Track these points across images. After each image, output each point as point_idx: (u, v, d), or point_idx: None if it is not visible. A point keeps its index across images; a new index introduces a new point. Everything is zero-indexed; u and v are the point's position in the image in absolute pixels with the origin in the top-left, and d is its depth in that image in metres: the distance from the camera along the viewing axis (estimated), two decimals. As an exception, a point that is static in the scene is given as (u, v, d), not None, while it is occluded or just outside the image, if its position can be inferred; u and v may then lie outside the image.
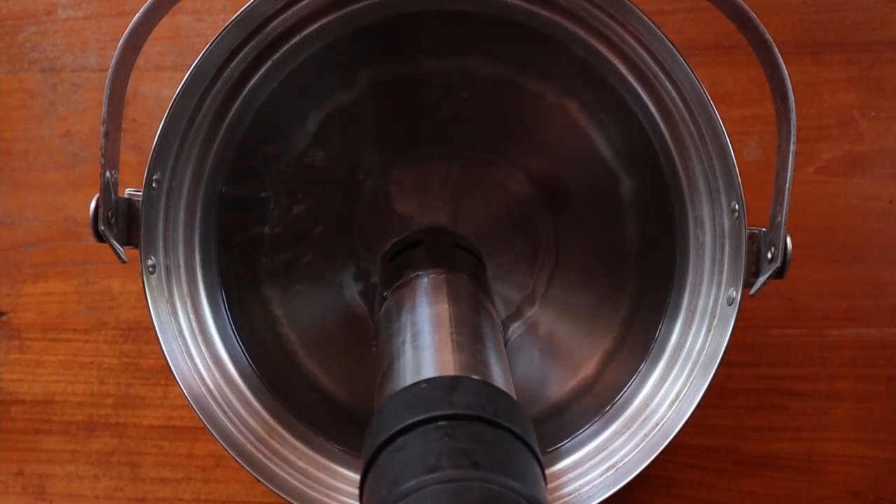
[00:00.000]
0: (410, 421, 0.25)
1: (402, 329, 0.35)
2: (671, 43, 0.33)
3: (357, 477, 0.31)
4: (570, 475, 0.35)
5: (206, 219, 0.37)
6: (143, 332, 0.49)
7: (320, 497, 0.35)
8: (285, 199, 0.45)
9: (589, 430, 0.37)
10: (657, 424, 0.35)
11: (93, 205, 0.32)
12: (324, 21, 0.35)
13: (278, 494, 0.34)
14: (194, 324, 0.36)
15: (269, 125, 0.42)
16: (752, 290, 0.33)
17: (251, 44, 0.34)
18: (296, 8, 0.34)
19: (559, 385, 0.45)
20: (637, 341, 0.41)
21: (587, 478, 0.35)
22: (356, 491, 0.28)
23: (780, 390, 0.47)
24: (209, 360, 0.36)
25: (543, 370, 0.46)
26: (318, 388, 0.45)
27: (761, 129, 0.47)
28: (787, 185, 0.31)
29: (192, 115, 0.34)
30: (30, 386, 0.50)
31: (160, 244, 0.35)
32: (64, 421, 0.49)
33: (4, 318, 0.50)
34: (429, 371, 0.31)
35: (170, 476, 0.49)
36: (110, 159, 0.32)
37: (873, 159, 0.47)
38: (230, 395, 0.36)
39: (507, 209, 0.47)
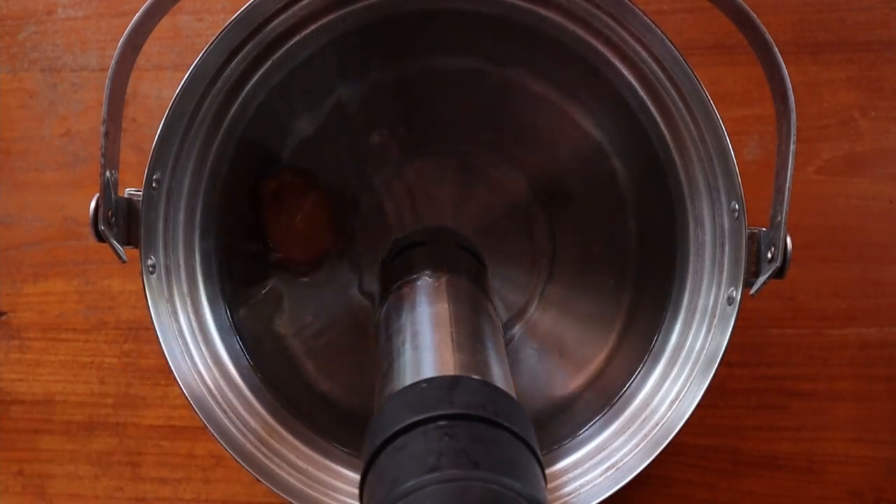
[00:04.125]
0: (410, 421, 0.25)
1: (402, 329, 0.35)
2: (671, 43, 0.33)
3: (357, 477, 0.31)
4: (570, 475, 0.35)
5: (206, 219, 0.37)
6: (143, 332, 0.49)
7: (320, 497, 0.35)
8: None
9: (589, 429, 0.37)
10: (657, 424, 0.35)
11: (93, 205, 0.32)
12: (324, 21, 0.35)
13: (278, 494, 0.34)
14: (194, 324, 0.36)
15: (270, 125, 0.42)
16: (752, 290, 0.33)
17: (251, 44, 0.34)
18: (296, 8, 0.34)
19: (559, 385, 0.45)
20: (637, 341, 0.41)
21: (587, 478, 0.35)
22: (356, 491, 0.28)
23: (780, 390, 0.47)
24: (209, 360, 0.36)
25: (544, 370, 0.46)
26: (318, 387, 0.45)
27: (761, 129, 0.47)
28: (787, 185, 0.31)
29: (192, 115, 0.34)
30: (30, 386, 0.50)
31: (160, 244, 0.35)
32: (64, 421, 0.49)
33: (4, 318, 0.50)
34: (429, 371, 0.31)
35: (170, 476, 0.49)
36: (110, 159, 0.32)
37: (873, 159, 0.47)
38: (230, 395, 0.36)
39: (507, 209, 0.47)
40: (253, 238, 0.44)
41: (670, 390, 0.35)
